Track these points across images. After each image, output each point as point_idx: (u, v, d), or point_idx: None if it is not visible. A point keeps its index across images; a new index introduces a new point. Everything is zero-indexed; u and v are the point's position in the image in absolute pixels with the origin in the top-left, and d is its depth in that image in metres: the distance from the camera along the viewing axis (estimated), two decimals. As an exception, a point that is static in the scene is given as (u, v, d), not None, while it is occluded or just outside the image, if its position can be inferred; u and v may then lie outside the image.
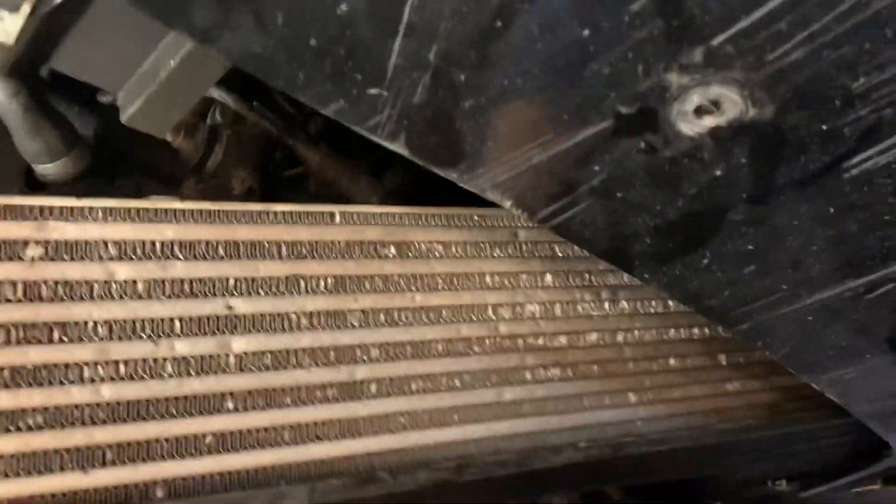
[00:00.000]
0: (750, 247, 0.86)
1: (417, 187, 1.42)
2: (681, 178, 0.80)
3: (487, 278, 1.02)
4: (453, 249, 1.00)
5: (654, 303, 1.14)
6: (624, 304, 1.12)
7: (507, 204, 0.82)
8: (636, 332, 1.12)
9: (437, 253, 0.99)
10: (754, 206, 0.82)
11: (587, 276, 1.10)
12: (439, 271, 0.99)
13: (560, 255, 1.08)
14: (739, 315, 0.94)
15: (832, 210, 0.82)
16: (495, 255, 1.03)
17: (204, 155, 1.21)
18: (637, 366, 1.12)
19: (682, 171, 0.79)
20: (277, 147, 1.28)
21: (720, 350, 1.20)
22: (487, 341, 1.01)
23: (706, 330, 1.19)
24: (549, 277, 1.06)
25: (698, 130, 0.76)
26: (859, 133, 0.76)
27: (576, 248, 1.08)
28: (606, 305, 1.10)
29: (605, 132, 0.77)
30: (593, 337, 1.09)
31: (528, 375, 1.03)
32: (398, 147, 0.79)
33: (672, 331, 1.16)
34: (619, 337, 1.11)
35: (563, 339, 1.06)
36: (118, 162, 1.19)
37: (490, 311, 1.02)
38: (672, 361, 1.15)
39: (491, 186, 0.82)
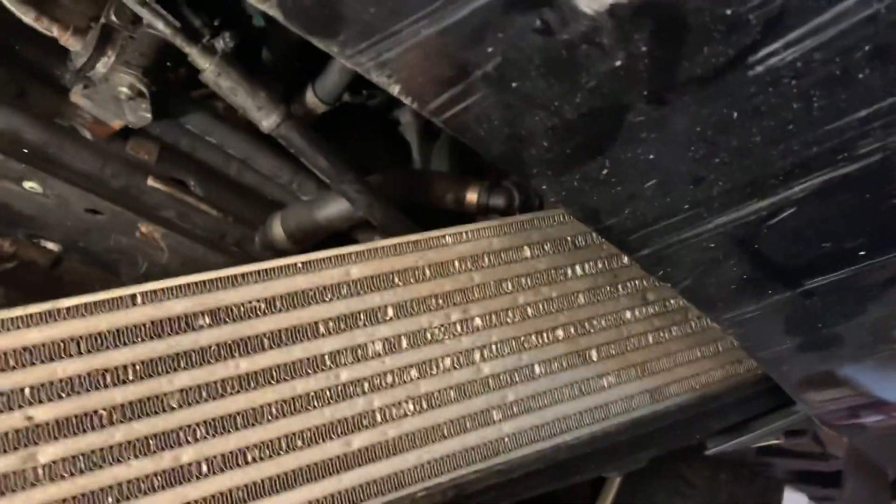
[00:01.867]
0: (651, 156, 0.79)
1: (326, 119, 1.39)
2: (579, 68, 0.72)
3: (321, 326, 0.95)
4: (277, 304, 0.92)
5: (510, 313, 1.07)
6: (478, 321, 1.04)
7: (395, 90, 0.75)
8: (494, 346, 1.05)
9: (258, 312, 0.91)
10: (655, 106, 0.75)
11: (434, 300, 1.02)
12: (263, 330, 0.91)
13: (399, 283, 1.00)
14: (640, 238, 0.88)
15: (735, 115, 0.75)
16: (326, 299, 0.95)
17: (94, 56, 1.12)
18: (497, 381, 1.04)
19: (580, 58, 0.71)
20: (177, 56, 1.17)
21: (589, 346, 1.12)
22: (328, 392, 0.94)
23: (571, 329, 1.11)
24: (390, 311, 0.98)
25: (597, 8, 0.69)
26: (765, 21, 0.69)
27: (417, 273, 1.00)
28: (458, 327, 1.03)
29: (498, 2, 0.68)
30: (447, 362, 1.01)
31: (379, 417, 0.96)
32: (269, 8, 0.70)
33: (533, 337, 1.08)
34: (476, 356, 1.03)
35: (413, 372, 0.99)
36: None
37: (327, 361, 0.94)
38: (537, 369, 1.07)
39: (375, 65, 0.73)
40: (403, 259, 1.01)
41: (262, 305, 0.92)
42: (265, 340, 0.91)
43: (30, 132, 1.13)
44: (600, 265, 1.19)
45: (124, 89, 1.11)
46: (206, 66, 1.15)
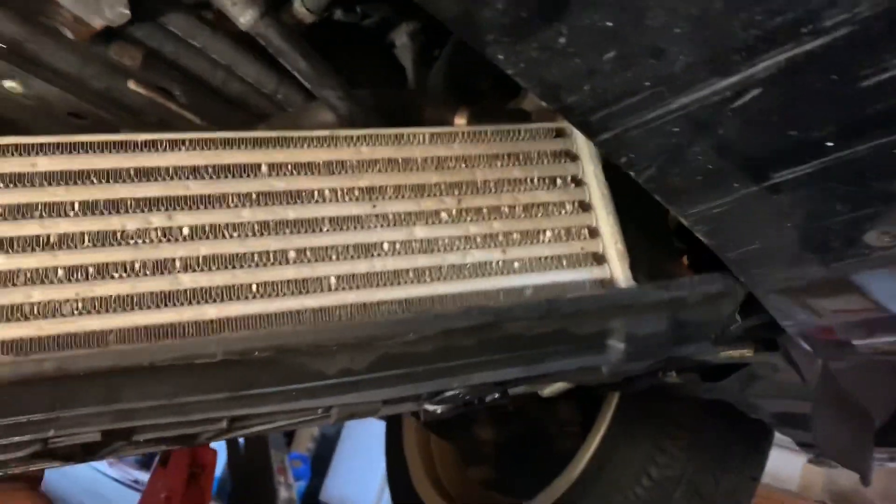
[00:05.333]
0: (609, 23, 0.71)
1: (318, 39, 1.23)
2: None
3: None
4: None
5: (229, 229, 0.92)
6: (186, 231, 0.87)
7: None
8: (201, 259, 0.88)
9: None
10: (609, -36, 0.68)
11: (135, 204, 0.89)
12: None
13: (95, 181, 0.85)
14: (601, 119, 0.80)
15: (695, -23, 0.67)
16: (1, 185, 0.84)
17: None
18: (199, 295, 0.87)
19: None
20: None
21: (328, 274, 0.93)
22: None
23: (306, 254, 0.93)
24: (76, 207, 0.84)
25: None
26: None
27: (121, 173, 0.86)
28: (159, 234, 0.88)
29: None
30: (136, 267, 0.87)
31: (37, 311, 0.83)
32: None
33: (256, 256, 0.91)
34: (177, 265, 0.85)
35: (91, 270, 0.86)
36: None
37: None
38: (254, 288, 0.89)
39: None
40: (106, 159, 0.85)
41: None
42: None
43: (9, 28, 1.08)
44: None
45: None
46: None
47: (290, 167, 0.96)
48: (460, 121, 1.29)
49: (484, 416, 2.31)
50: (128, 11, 1.06)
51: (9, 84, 1.15)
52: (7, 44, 1.11)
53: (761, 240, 0.92)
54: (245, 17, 1.08)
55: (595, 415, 1.90)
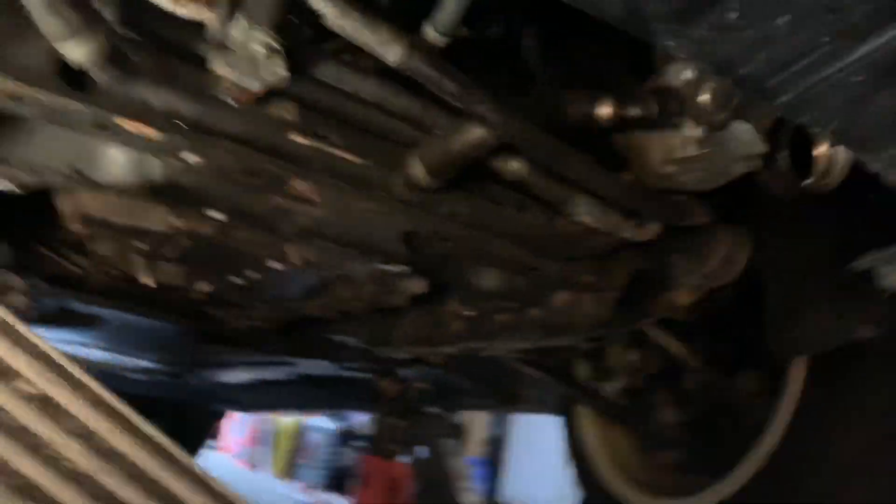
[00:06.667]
0: None
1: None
2: None
3: None
4: None
5: None
6: None
7: None
8: None
9: None
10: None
11: None
12: None
13: None
14: (779, 84, 0.77)
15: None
16: None
17: (228, 23, 1.09)
18: None
19: None
20: (301, 9, 1.11)
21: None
22: None
23: None
24: None
25: None
26: None
27: None
28: None
29: None
30: None
31: None
32: None
33: None
34: None
35: None
36: (145, 50, 1.15)
37: None
38: None
39: None
40: None
41: None
42: None
43: (183, 107, 1.16)
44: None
45: (260, 49, 1.10)
46: (326, 10, 1.08)
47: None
48: (605, 109, 1.28)
49: (664, 399, 2.27)
50: (286, 73, 1.12)
51: (189, 157, 1.22)
52: (184, 122, 1.18)
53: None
54: (394, 55, 1.10)
55: (782, 382, 1.76)
